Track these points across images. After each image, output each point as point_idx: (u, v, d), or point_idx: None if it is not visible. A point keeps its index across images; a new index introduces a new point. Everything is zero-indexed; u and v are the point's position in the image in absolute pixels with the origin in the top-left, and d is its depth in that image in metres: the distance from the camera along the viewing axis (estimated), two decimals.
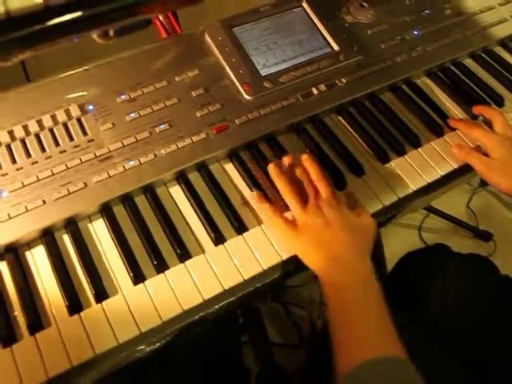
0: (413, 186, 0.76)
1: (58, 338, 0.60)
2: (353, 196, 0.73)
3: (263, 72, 0.81)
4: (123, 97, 0.75)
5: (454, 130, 0.83)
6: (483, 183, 1.76)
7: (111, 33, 0.58)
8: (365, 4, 0.91)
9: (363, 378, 0.55)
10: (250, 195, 0.73)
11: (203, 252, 0.67)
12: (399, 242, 1.45)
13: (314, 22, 0.88)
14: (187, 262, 0.66)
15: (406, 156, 0.79)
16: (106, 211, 0.69)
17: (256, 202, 0.71)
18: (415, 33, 0.91)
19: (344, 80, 0.83)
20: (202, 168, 0.74)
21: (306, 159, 0.71)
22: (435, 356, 0.75)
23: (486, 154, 0.78)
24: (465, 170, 0.80)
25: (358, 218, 0.68)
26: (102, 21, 0.54)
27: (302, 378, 1.08)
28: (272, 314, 1.41)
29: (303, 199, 0.68)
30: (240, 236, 0.69)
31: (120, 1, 0.51)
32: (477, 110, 0.84)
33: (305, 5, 0.88)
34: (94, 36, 0.60)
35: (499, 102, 0.89)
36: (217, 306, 0.64)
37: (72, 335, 0.60)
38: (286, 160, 0.72)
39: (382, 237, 1.40)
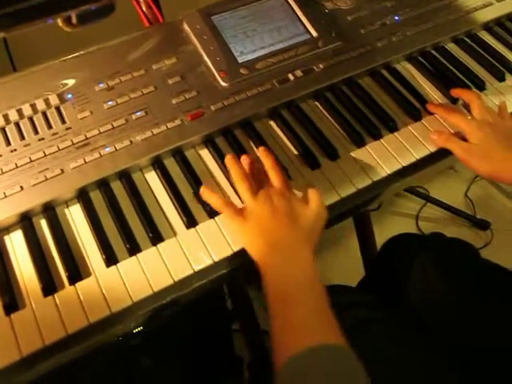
0: (388, 169, 0.77)
1: (32, 318, 0.62)
2: (306, 187, 0.71)
3: (240, 59, 0.82)
4: (101, 85, 0.77)
5: (432, 114, 0.83)
6: None
7: (74, 19, 0.60)
8: None
9: (302, 366, 0.53)
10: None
11: (175, 235, 0.69)
12: (396, 231, 1.45)
13: (293, 8, 0.88)
14: (159, 245, 0.68)
15: (381, 140, 0.80)
16: (82, 196, 0.71)
17: (204, 197, 0.70)
18: (396, 18, 0.91)
19: (321, 66, 0.84)
20: (178, 154, 0.76)
21: (262, 150, 0.72)
22: (416, 344, 0.76)
23: (465, 139, 0.78)
24: (442, 153, 0.80)
25: (307, 207, 0.67)
26: (62, 6, 0.55)
27: None
28: (263, 302, 1.42)
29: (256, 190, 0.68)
30: (212, 219, 0.70)
31: None
32: (455, 92, 0.84)
33: None
34: (60, 23, 0.61)
35: (480, 85, 0.88)
36: (189, 289, 0.66)
37: (46, 316, 0.62)
38: (245, 159, 0.73)
39: (378, 226, 1.40)
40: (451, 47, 0.94)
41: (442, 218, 1.67)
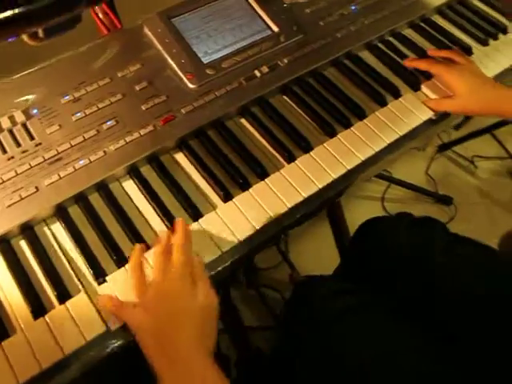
0: (361, 156, 0.79)
1: (24, 343, 0.60)
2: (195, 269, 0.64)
3: (205, 60, 0.82)
4: (67, 97, 0.75)
5: (397, 98, 0.86)
6: (441, 149, 1.81)
7: (40, 33, 0.58)
8: None
9: None
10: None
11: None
12: (363, 214, 1.48)
13: (251, 5, 0.88)
14: (146, 254, 0.67)
15: (352, 128, 0.82)
16: (61, 213, 0.70)
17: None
18: (352, 8, 0.93)
19: (286, 60, 0.85)
20: (153, 160, 0.75)
21: (177, 222, 0.67)
22: (402, 322, 0.77)
23: None
24: (409, 135, 0.83)
25: (194, 300, 0.60)
26: (31, 20, 0.54)
27: (279, 357, 1.10)
28: (245, 298, 1.43)
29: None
30: (195, 222, 0.70)
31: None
32: (431, 53, 0.90)
33: None
34: (25, 38, 0.59)
35: None
36: None
37: (39, 339, 0.61)
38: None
39: (345, 211, 1.43)
40: (408, 32, 0.97)
41: (406, 198, 1.72)
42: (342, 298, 0.81)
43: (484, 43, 0.96)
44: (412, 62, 0.89)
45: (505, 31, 0.98)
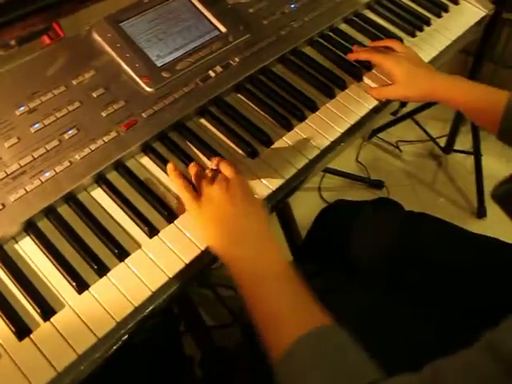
0: (319, 146, 0.83)
1: (11, 366, 0.58)
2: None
3: (159, 63, 0.82)
4: (22, 108, 0.73)
5: (343, 90, 0.91)
6: (367, 137, 1.92)
7: (13, 42, 0.56)
8: None
9: (297, 358, 0.53)
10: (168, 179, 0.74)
11: (140, 247, 0.68)
12: (304, 206, 1.54)
13: (197, 7, 0.90)
14: (127, 260, 0.67)
15: (306, 121, 0.85)
16: (30, 228, 0.67)
17: (169, 174, 0.73)
18: (292, 6, 0.97)
19: (237, 59, 0.87)
20: (120, 166, 0.74)
21: (192, 167, 0.74)
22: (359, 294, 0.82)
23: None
24: (359, 123, 0.88)
25: (256, 198, 0.70)
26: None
27: (242, 353, 1.12)
28: (201, 299, 1.44)
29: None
30: (172, 224, 0.71)
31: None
32: (352, 56, 0.95)
33: None
34: None
35: None
36: (165, 296, 0.66)
37: (27, 360, 0.58)
38: (191, 167, 0.74)
39: None
40: (344, 27, 1.03)
41: (341, 186, 1.80)
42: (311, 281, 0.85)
43: (412, 35, 1.04)
44: (353, 55, 0.94)
45: (428, 23, 1.07)
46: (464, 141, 1.86)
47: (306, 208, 1.68)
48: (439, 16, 1.10)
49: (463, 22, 1.10)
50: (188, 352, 1.26)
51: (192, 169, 0.73)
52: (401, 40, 1.01)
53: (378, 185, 1.78)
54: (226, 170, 0.71)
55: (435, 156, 1.92)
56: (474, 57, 1.67)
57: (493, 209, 1.69)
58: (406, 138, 1.92)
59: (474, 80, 1.72)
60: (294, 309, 0.58)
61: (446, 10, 1.11)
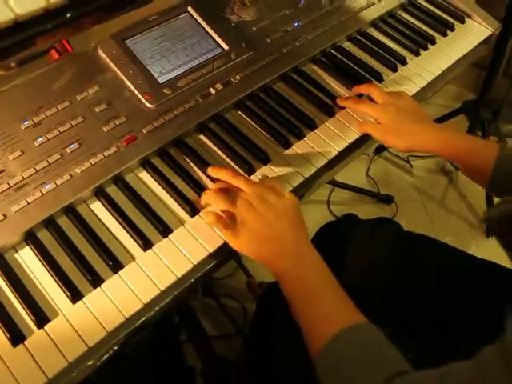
0: (316, 164, 0.84)
1: (5, 372, 0.60)
2: (268, 180, 0.78)
3: (161, 79, 0.85)
4: (27, 123, 0.76)
5: (343, 108, 0.92)
6: (378, 151, 1.92)
7: (13, 64, 0.59)
8: (246, 2, 0.97)
9: (335, 352, 0.59)
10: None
11: (134, 259, 0.70)
12: (311, 219, 1.54)
13: (201, 25, 0.92)
14: (120, 272, 0.69)
15: (305, 139, 0.87)
16: (30, 238, 0.70)
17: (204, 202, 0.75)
18: (295, 24, 0.99)
19: (238, 77, 0.89)
20: (119, 180, 0.77)
21: (211, 171, 0.77)
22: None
23: None
24: (358, 142, 0.89)
25: (284, 198, 0.72)
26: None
27: (244, 364, 1.13)
28: (205, 309, 1.46)
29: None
30: (166, 238, 0.73)
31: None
32: (356, 90, 0.94)
33: (190, 10, 0.92)
34: None
35: (378, 78, 0.99)
36: (157, 308, 0.68)
37: (20, 366, 0.61)
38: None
39: None
40: (347, 45, 1.04)
41: (350, 200, 1.81)
42: None
43: (416, 53, 1.04)
44: (341, 102, 0.93)
45: (433, 42, 1.08)
46: None
47: (314, 221, 1.69)
48: (445, 35, 1.10)
49: (468, 40, 1.10)
50: (189, 362, 1.28)
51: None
52: (404, 60, 1.02)
53: (387, 200, 1.78)
54: (239, 184, 0.73)
55: (446, 172, 1.91)
56: (486, 72, 1.67)
57: None
58: (417, 153, 1.92)
59: (488, 94, 1.72)
60: (337, 309, 0.64)
61: (452, 29, 1.12)
